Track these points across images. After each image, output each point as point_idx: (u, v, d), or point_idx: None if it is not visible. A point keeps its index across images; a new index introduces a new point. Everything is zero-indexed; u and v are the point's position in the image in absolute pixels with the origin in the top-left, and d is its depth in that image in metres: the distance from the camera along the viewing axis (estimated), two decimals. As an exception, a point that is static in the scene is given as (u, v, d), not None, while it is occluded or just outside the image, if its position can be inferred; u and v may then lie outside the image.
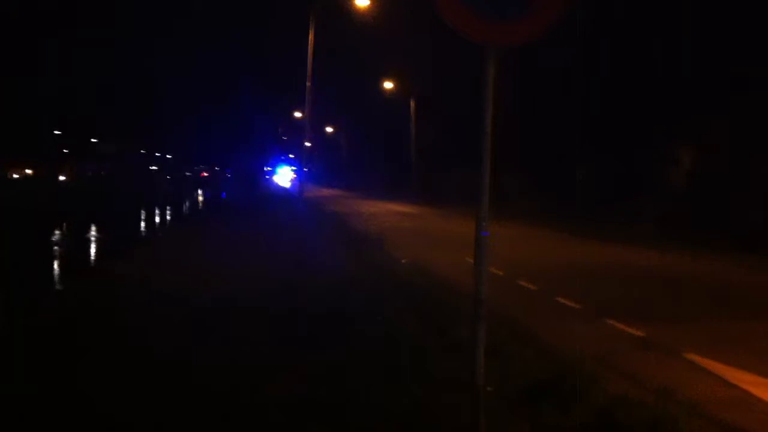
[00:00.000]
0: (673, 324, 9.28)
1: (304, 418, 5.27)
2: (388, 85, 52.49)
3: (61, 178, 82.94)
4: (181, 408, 5.46)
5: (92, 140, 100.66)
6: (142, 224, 33.62)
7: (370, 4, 31.88)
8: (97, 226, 28.32)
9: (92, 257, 21.20)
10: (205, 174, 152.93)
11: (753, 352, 7.70)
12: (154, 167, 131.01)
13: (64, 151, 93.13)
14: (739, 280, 13.90)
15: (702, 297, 11.87)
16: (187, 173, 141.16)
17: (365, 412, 5.32)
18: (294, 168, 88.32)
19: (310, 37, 30.93)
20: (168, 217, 38.22)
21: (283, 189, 71.83)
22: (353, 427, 5.17)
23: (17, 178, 79.22)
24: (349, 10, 34.07)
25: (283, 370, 6.40)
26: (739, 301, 11.51)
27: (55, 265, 18.95)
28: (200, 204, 53.38)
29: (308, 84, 32.69)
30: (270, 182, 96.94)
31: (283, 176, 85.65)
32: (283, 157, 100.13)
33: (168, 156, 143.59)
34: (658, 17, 24.46)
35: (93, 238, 25.86)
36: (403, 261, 14.55)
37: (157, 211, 40.43)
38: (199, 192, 73.07)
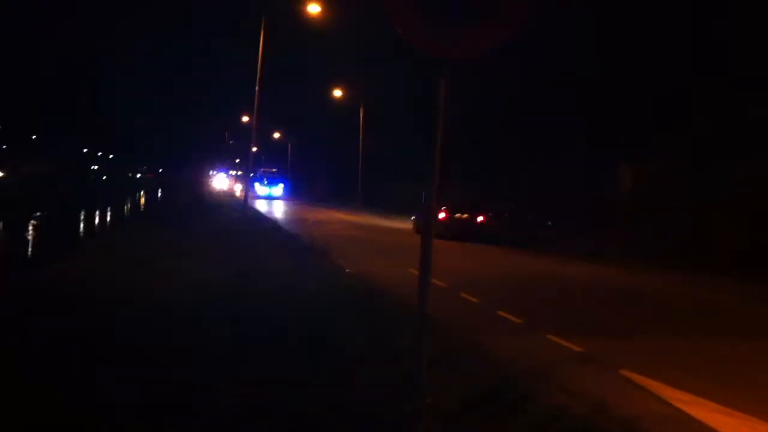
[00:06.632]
0: (610, 339, 9.45)
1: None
2: (337, 93, 52.50)
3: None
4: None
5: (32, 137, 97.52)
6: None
7: (321, 12, 31.79)
8: None
9: None
10: (150, 175, 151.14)
11: (685, 369, 7.89)
12: (95, 167, 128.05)
13: (3, 147, 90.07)
14: (674, 296, 14.31)
15: (639, 312, 12.17)
16: (130, 174, 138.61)
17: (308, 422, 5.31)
18: (234, 173, 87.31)
19: (261, 42, 30.64)
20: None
21: (227, 194, 71.06)
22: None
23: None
24: (301, 19, 33.90)
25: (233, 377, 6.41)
26: (673, 316, 11.83)
27: None
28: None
29: (257, 89, 32.36)
30: (215, 186, 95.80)
31: (227, 180, 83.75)
32: (228, 162, 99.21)
33: (111, 156, 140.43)
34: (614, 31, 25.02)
35: None
36: (347, 271, 14.52)
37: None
38: (142, 193, 71.65)
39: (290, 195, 62.01)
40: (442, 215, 24.58)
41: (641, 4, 24.05)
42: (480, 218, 25.71)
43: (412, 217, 28.66)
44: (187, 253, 16.28)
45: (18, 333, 7.82)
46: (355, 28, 41.53)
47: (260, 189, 60.39)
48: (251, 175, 45.93)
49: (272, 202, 53.91)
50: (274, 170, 65.90)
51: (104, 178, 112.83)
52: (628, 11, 24.18)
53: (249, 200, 35.41)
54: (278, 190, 62.15)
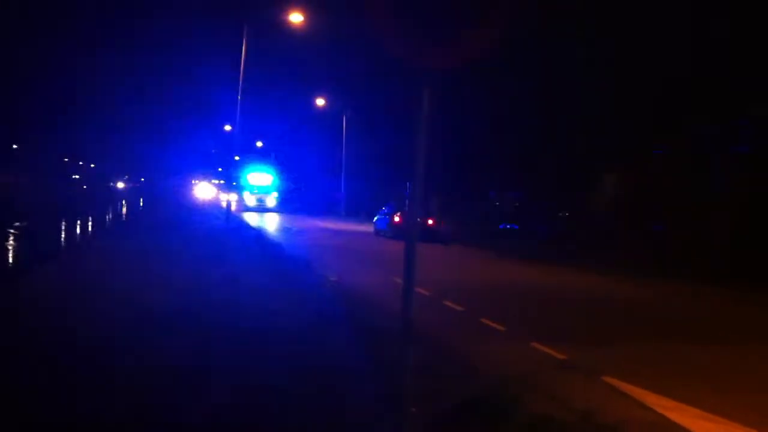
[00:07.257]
0: (593, 346, 9.49)
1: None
2: (320, 101, 52.58)
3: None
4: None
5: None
6: None
7: (304, 21, 31.81)
8: None
9: None
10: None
11: (668, 375, 7.96)
12: (76, 176, 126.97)
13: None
14: (657, 302, 14.41)
15: (620, 319, 12.22)
16: (111, 183, 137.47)
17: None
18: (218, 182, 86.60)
19: (243, 49, 30.63)
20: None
21: (210, 203, 70.64)
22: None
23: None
24: (284, 27, 33.93)
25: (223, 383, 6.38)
26: (655, 323, 11.89)
27: None
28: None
29: (239, 97, 32.33)
30: (198, 195, 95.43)
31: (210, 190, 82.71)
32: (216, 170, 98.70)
33: (92, 165, 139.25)
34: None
35: None
36: (331, 279, 14.51)
37: None
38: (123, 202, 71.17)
39: (279, 206, 53.70)
40: (397, 219, 28.56)
41: (641, 3, 24.16)
42: (430, 221, 27.83)
43: (375, 219, 32.58)
44: (169, 262, 16.24)
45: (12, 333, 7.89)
46: (339, 38, 41.62)
47: (249, 199, 51.01)
48: (233, 184, 45.28)
49: (261, 213, 48.66)
50: (268, 177, 53.59)
51: (84, 187, 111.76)
52: (628, 11, 24.30)
53: (233, 210, 35.36)
54: (271, 199, 51.89)
